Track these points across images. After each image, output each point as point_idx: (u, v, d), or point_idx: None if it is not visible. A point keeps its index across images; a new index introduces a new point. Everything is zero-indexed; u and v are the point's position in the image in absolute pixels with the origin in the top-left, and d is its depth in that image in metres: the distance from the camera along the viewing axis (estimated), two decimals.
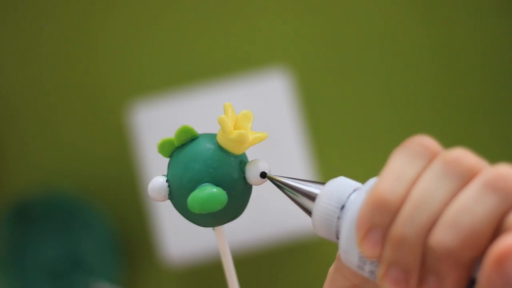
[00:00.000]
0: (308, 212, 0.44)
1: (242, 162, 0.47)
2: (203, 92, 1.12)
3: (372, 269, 0.42)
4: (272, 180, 0.47)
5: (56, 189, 1.18)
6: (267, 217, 1.08)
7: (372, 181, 0.43)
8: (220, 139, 0.47)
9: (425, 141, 0.41)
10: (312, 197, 0.44)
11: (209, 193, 0.45)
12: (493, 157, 1.21)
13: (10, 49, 1.21)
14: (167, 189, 0.47)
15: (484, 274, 0.37)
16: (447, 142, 1.24)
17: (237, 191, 0.47)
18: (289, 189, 0.46)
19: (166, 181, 0.47)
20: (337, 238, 0.43)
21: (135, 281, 1.20)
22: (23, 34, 1.21)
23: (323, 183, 0.45)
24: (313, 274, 1.18)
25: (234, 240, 1.09)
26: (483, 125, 1.19)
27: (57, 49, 1.21)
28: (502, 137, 1.19)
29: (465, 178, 0.39)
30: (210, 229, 0.50)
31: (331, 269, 0.46)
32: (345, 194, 0.43)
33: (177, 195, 0.47)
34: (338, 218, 0.43)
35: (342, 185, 0.44)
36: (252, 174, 0.47)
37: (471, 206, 0.38)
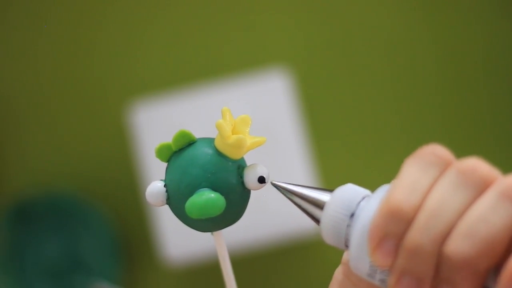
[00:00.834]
0: (316, 219, 0.44)
1: (240, 166, 0.47)
2: (203, 92, 1.12)
3: (383, 277, 0.41)
4: (278, 187, 0.46)
5: (56, 189, 1.18)
6: (266, 217, 1.08)
7: (382, 188, 0.43)
8: (218, 144, 0.46)
9: (438, 151, 0.41)
10: (320, 205, 0.44)
11: (207, 199, 0.45)
12: (496, 158, 1.20)
13: (10, 49, 1.21)
14: (165, 194, 0.47)
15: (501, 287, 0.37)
16: (449, 141, 1.24)
17: (236, 196, 0.46)
18: (296, 197, 0.45)
19: (164, 185, 0.47)
20: (346, 246, 0.43)
21: (135, 281, 1.20)
22: (22, 34, 1.21)
23: (331, 190, 0.44)
24: (312, 275, 1.18)
25: (233, 240, 1.09)
26: (484, 124, 1.19)
27: (57, 49, 1.21)
28: (504, 138, 1.19)
29: (480, 187, 0.39)
30: (209, 232, 0.50)
31: (337, 274, 0.45)
32: (355, 201, 0.43)
33: (175, 200, 0.46)
34: (348, 226, 0.42)
35: (351, 192, 0.43)
36: (250, 179, 0.47)
37: (487, 215, 0.38)
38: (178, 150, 0.47)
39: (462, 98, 1.20)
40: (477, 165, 0.40)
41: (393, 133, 1.19)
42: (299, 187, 0.45)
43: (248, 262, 1.18)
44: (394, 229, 0.39)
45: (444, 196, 0.39)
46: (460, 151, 1.24)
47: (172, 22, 1.21)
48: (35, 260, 1.15)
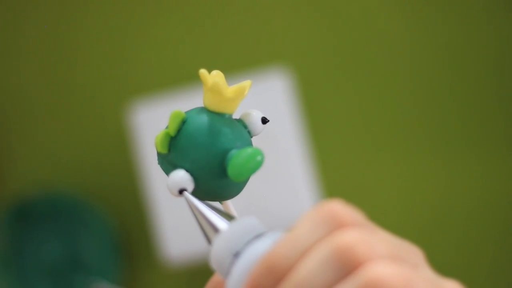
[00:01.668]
0: (209, 242, 0.44)
1: (237, 119, 0.46)
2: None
3: None
4: (187, 199, 0.45)
5: (56, 189, 1.18)
6: (265, 218, 1.08)
7: (274, 234, 0.42)
8: (213, 105, 0.45)
9: (335, 209, 0.39)
10: (216, 230, 0.43)
11: (247, 154, 0.43)
12: (496, 158, 1.20)
13: (9, 49, 1.21)
14: (191, 178, 0.45)
15: None
16: (448, 142, 1.24)
17: (250, 145, 0.46)
18: (198, 214, 0.44)
19: (187, 171, 0.45)
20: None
21: (135, 281, 1.20)
22: (22, 34, 1.21)
23: (232, 218, 0.43)
24: None
25: None
26: (485, 125, 1.19)
27: (56, 49, 1.21)
28: (504, 138, 1.19)
29: (348, 270, 0.38)
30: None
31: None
32: (244, 240, 0.42)
33: (207, 177, 0.44)
34: (230, 263, 0.42)
35: (244, 229, 0.42)
36: (254, 124, 0.46)
37: None
38: (178, 133, 0.45)
39: (463, 99, 1.20)
40: (354, 243, 0.38)
41: (393, 133, 1.19)
42: (205, 206, 0.44)
43: None
44: (266, 283, 0.39)
45: (311, 272, 0.38)
46: (461, 152, 1.25)
47: (172, 22, 1.21)
48: (35, 260, 1.15)
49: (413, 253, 0.40)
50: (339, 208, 0.39)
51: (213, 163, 0.44)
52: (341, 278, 0.37)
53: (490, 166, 1.18)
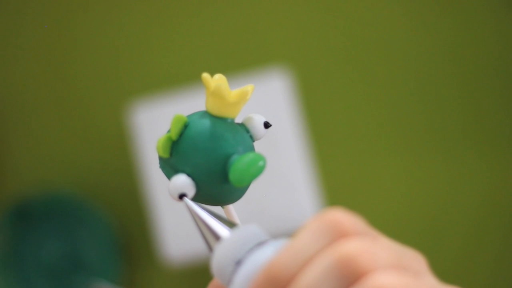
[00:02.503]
0: (211, 250, 0.44)
1: (240, 124, 0.46)
2: (204, 92, 1.12)
3: None
4: (187, 205, 0.45)
5: (56, 189, 1.18)
6: (265, 218, 1.08)
7: (277, 242, 0.42)
8: (215, 109, 0.45)
9: (337, 218, 0.39)
10: (217, 237, 0.43)
11: (248, 160, 0.43)
12: (496, 158, 1.20)
13: (10, 49, 1.21)
14: (193, 182, 0.45)
15: None
16: (450, 142, 1.24)
17: (252, 150, 0.46)
18: (199, 221, 0.44)
19: (188, 175, 0.45)
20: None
21: (135, 281, 1.20)
22: (22, 34, 1.21)
23: (234, 225, 0.43)
24: None
25: None
26: (487, 124, 1.19)
27: (57, 49, 1.21)
28: (504, 139, 1.19)
29: (351, 281, 0.38)
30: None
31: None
32: (245, 248, 0.42)
33: (208, 182, 0.44)
34: (232, 271, 0.42)
35: (246, 237, 0.42)
36: (257, 129, 0.46)
37: None
38: (179, 137, 0.45)
39: (465, 98, 1.20)
40: (356, 253, 0.38)
41: (394, 134, 1.19)
42: (205, 213, 0.44)
43: None
44: None
45: (313, 282, 0.38)
46: (463, 153, 1.24)
47: (172, 22, 1.21)
48: (35, 260, 1.15)
49: (416, 261, 0.40)
50: (341, 216, 0.39)
51: (215, 168, 0.44)
52: None
53: (494, 166, 1.18)
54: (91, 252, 1.16)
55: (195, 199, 0.46)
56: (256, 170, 0.43)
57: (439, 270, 0.51)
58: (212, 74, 1.25)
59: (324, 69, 1.20)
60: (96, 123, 1.20)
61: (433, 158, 1.19)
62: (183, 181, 0.44)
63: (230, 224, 0.43)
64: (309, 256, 0.39)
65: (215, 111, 0.45)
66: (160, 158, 0.47)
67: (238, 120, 0.48)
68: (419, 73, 1.20)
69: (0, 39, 1.22)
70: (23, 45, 1.21)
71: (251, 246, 0.42)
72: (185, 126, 0.45)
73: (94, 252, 1.16)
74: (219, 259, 0.42)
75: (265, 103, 1.09)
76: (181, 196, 0.45)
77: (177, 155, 0.45)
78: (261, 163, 0.44)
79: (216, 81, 0.45)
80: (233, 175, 0.43)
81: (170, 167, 0.46)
